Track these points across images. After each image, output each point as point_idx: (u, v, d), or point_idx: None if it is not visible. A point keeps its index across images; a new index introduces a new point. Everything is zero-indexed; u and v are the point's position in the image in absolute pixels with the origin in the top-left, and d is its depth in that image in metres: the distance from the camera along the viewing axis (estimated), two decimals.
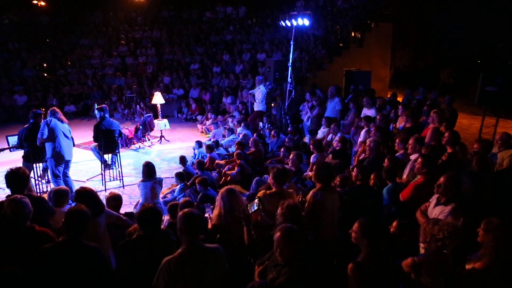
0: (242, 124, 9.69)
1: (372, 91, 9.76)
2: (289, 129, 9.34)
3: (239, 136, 9.19)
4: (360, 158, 6.31)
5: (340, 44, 14.71)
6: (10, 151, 7.57)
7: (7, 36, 17.01)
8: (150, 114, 10.91)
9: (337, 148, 6.81)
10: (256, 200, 3.49)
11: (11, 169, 3.67)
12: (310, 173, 6.08)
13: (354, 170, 4.83)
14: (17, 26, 18.03)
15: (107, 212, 3.83)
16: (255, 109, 10.39)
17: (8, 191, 3.94)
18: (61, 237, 3.46)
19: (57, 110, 6.61)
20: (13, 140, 7.21)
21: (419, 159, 4.09)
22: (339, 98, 9.09)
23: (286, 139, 8.06)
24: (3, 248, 3.03)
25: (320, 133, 8.56)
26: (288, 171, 4.49)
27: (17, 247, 3.06)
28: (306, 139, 8.81)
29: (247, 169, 7.00)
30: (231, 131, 9.44)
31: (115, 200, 4.33)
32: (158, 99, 10.62)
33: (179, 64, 16.35)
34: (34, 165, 6.74)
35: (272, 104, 10.96)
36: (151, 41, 18.12)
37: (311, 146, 6.57)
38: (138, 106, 13.35)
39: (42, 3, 22.41)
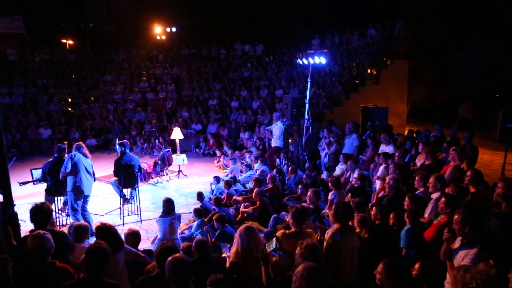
0: (259, 160, 9.75)
1: (390, 127, 9.75)
2: (306, 165, 9.33)
3: (256, 172, 9.21)
4: (379, 195, 6.24)
5: (357, 81, 14.89)
6: (34, 184, 7.76)
7: (36, 73, 17.85)
8: (169, 149, 11.09)
9: (356, 185, 6.76)
10: (274, 239, 3.47)
11: (36, 204, 3.76)
12: (328, 211, 6.01)
13: (373, 209, 4.76)
14: (46, 64, 18.95)
15: (126, 249, 3.85)
16: (273, 145, 10.46)
17: (29, 224, 4.04)
18: (81, 273, 3.50)
19: (82, 144, 6.80)
20: (37, 173, 7.41)
21: (443, 199, 4.02)
22: (357, 135, 9.10)
23: (304, 176, 8.04)
24: (24, 284, 3.06)
25: (338, 170, 8.52)
26: (307, 211, 4.47)
27: (38, 283, 3.09)
28: (324, 176, 8.76)
29: (268, 207, 6.95)
30: (249, 167, 9.47)
31: (134, 236, 4.36)
32: (177, 134, 10.83)
33: (197, 100, 16.74)
34: (56, 198, 6.89)
35: (290, 140, 11.02)
36: (171, 77, 18.70)
37: (329, 183, 6.53)
38: (157, 140, 13.60)
39: (70, 42, 23.67)
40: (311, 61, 9.85)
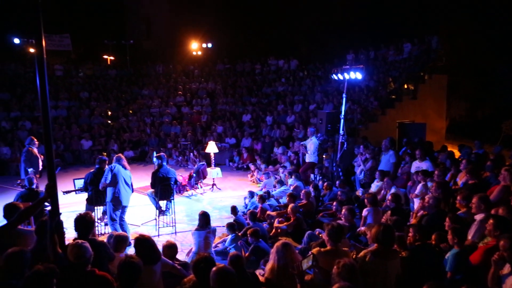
0: (293, 175, 9.70)
1: (430, 144, 9.47)
2: (337, 182, 9.18)
3: (290, 188, 9.17)
4: (418, 214, 6.03)
5: (393, 96, 14.61)
6: (76, 193, 8.09)
7: (80, 87, 18.76)
8: (204, 163, 11.25)
9: (392, 206, 6.58)
10: (311, 257, 3.43)
11: (80, 214, 3.92)
12: (363, 229, 5.87)
13: (410, 230, 4.59)
14: (89, 78, 19.88)
15: (163, 261, 3.91)
16: (307, 160, 10.39)
17: (71, 232, 4.20)
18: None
19: (122, 156, 7.02)
20: (79, 183, 7.72)
21: (491, 220, 3.82)
22: (394, 151, 8.89)
23: (339, 193, 7.91)
24: None
25: (374, 187, 8.33)
26: (344, 229, 4.39)
27: None
28: (359, 193, 8.59)
29: (302, 223, 6.89)
30: (281, 182, 9.44)
31: (171, 249, 4.42)
32: (211, 148, 10.99)
33: (232, 114, 16.96)
34: (95, 207, 7.14)
35: (324, 156, 10.91)
36: (206, 92, 19.10)
37: (365, 200, 6.39)
38: (191, 153, 13.84)
39: (111, 58, 24.74)
40: (347, 76, 9.79)
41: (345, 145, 9.70)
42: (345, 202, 7.42)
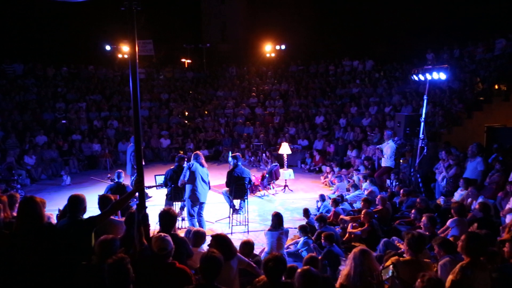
0: (368, 180, 9.39)
1: None
2: (419, 188, 8.68)
3: (364, 192, 8.88)
4: None
5: (481, 98, 13.42)
6: (157, 188, 8.64)
7: (160, 89, 19.99)
8: (277, 164, 11.34)
9: (478, 216, 6.06)
10: (391, 267, 3.28)
11: (164, 209, 4.17)
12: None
13: (506, 246, 4.18)
14: (169, 81, 21.09)
15: (239, 258, 4.02)
16: (383, 164, 9.98)
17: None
18: (197, 276, 3.74)
19: (200, 154, 7.31)
20: (160, 179, 8.23)
21: None
22: (482, 158, 8.19)
23: (418, 200, 7.47)
24: (146, 282, 3.35)
25: (457, 196, 7.76)
26: (425, 239, 4.14)
27: (159, 281, 3.34)
28: (441, 201, 8.04)
29: (378, 230, 6.63)
30: (355, 186, 9.18)
31: (248, 246, 4.53)
32: (285, 149, 11.04)
33: (305, 116, 16.88)
34: (174, 203, 7.55)
35: (401, 161, 10.40)
36: (279, 93, 19.23)
37: (451, 210, 5.96)
38: (264, 154, 14.02)
39: (189, 61, 25.99)
40: (429, 77, 9.23)
41: (425, 150, 9.15)
42: (425, 210, 6.99)
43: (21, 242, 3.41)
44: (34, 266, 3.40)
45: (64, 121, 15.94)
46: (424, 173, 9.77)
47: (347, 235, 6.86)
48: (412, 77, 10.26)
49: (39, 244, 3.43)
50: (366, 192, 8.70)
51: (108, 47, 20.78)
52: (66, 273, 3.43)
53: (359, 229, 6.75)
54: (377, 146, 10.53)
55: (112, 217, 4.35)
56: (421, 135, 9.14)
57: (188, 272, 3.44)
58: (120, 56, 21.12)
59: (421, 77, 9.60)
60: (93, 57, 21.74)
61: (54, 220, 4.82)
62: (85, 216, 3.76)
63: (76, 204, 3.67)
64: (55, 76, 18.99)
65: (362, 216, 6.74)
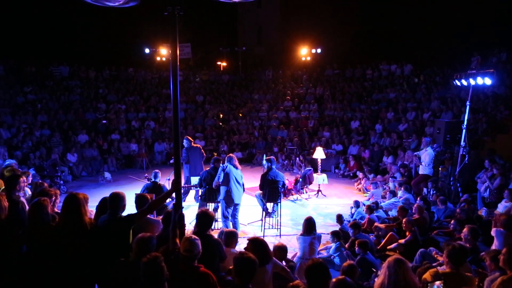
0: (403, 187, 9.13)
1: None
2: (460, 198, 8.34)
3: (399, 200, 8.65)
4: None
5: None
6: (192, 189, 8.79)
7: (196, 91, 20.35)
8: (310, 168, 11.25)
9: None
10: (438, 283, 3.17)
11: (202, 210, 4.24)
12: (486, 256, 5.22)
13: None
14: (205, 83, 21.45)
15: (274, 262, 4.01)
16: (420, 172, 9.67)
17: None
18: (229, 276, 3.77)
19: (234, 156, 7.40)
20: (195, 180, 8.36)
21: None
22: None
23: (458, 210, 7.19)
24: (171, 281, 3.39)
25: (501, 207, 7.38)
26: (467, 251, 3.98)
27: (181, 282, 3.36)
28: (483, 212, 7.68)
29: (418, 240, 6.41)
30: (393, 193, 8.95)
31: (282, 250, 4.52)
32: (319, 153, 10.94)
33: (340, 120, 16.66)
34: (208, 204, 7.65)
35: (440, 169, 10.03)
36: (314, 97, 19.08)
37: (499, 222, 5.67)
38: (297, 158, 13.95)
39: (224, 64, 26.31)
40: (472, 82, 8.88)
41: (466, 158, 8.80)
42: (465, 221, 6.71)
43: (64, 236, 3.58)
44: (74, 259, 3.55)
45: (104, 121, 16.57)
46: (465, 182, 9.39)
47: (383, 243, 6.68)
48: (454, 82, 9.88)
49: (80, 238, 3.58)
50: (401, 200, 8.48)
51: (147, 50, 21.41)
52: (104, 268, 3.56)
53: (401, 240, 6.49)
54: (415, 153, 10.23)
55: (148, 215, 4.47)
56: (462, 143, 8.81)
57: (211, 278, 3.37)
58: (158, 59, 21.70)
59: (464, 82, 9.25)
60: (133, 60, 22.45)
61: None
62: (124, 213, 3.90)
63: (117, 201, 3.80)
64: (97, 78, 19.77)
65: (404, 225, 6.51)
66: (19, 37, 19.72)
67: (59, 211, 4.27)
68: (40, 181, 7.71)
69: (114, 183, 12.09)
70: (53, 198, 4.65)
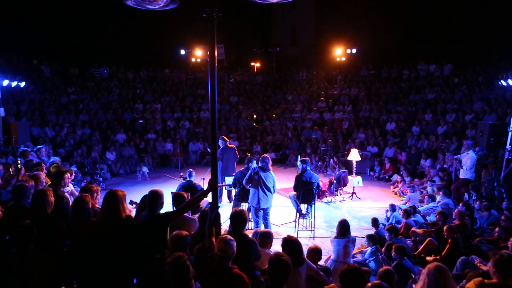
0: (442, 192, 8.80)
1: None
2: (504, 204, 7.93)
3: (438, 204, 8.35)
4: None
5: None
6: (225, 188, 8.87)
7: (230, 92, 20.53)
8: (345, 170, 11.09)
9: None
10: None
11: (236, 210, 4.26)
12: None
13: None
14: (238, 84, 21.60)
15: (308, 264, 3.97)
16: (461, 176, 9.29)
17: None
18: (264, 277, 3.77)
19: (268, 157, 7.33)
20: (229, 179, 8.44)
21: None
22: None
23: (503, 217, 6.84)
24: (204, 281, 3.42)
25: None
26: None
27: (214, 282, 3.39)
28: None
29: (460, 247, 6.15)
30: (431, 197, 8.65)
31: (316, 253, 4.47)
32: (354, 155, 10.75)
33: (375, 122, 16.30)
34: (241, 204, 7.69)
35: (483, 173, 9.59)
36: (348, 98, 18.77)
37: None
38: (331, 160, 13.77)
39: (257, 65, 26.37)
40: None
41: None
42: (511, 229, 6.38)
43: (103, 231, 3.70)
44: (113, 254, 3.67)
45: (141, 121, 17.04)
46: (510, 188, 8.93)
47: (420, 248, 6.46)
48: (499, 82, 9.44)
49: (118, 234, 3.69)
50: (440, 204, 8.18)
51: (182, 52, 21.83)
52: (142, 264, 3.65)
53: (445, 252, 6.21)
54: (455, 156, 9.83)
55: (185, 214, 4.55)
56: (508, 146, 8.39)
57: (244, 280, 3.35)
58: (193, 60, 22.07)
59: (510, 82, 8.81)
60: (169, 61, 22.95)
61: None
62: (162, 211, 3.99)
63: (155, 199, 3.89)
64: (135, 79, 20.38)
65: (445, 232, 6.25)
66: (64, 42, 20.64)
67: (100, 207, 4.44)
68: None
69: (150, 182, 12.42)
70: (95, 195, 4.82)
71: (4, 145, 11.06)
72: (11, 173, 6.33)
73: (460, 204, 8.11)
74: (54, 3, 20.24)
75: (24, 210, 4.19)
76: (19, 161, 6.53)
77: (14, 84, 13.32)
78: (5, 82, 12.59)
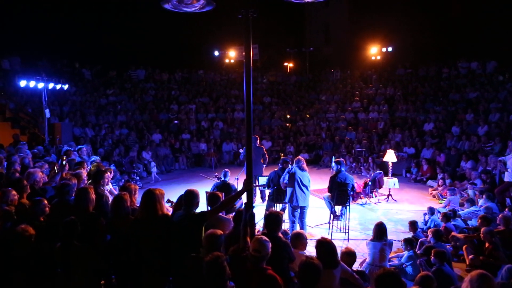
0: (484, 195, 8.41)
1: None
2: None
3: (481, 208, 7.98)
4: None
5: None
6: (259, 189, 8.90)
7: (263, 92, 20.58)
8: (381, 171, 10.83)
9: None
10: None
11: (271, 211, 4.27)
12: None
13: None
14: (272, 84, 21.62)
15: (343, 267, 3.91)
16: (506, 179, 8.83)
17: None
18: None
19: (301, 159, 7.33)
20: (263, 180, 8.46)
21: None
22: None
23: None
24: (238, 280, 3.43)
25: None
26: None
27: (247, 283, 3.38)
28: None
29: (500, 252, 5.87)
30: (471, 201, 8.29)
31: (350, 256, 4.39)
32: (390, 156, 10.49)
33: (412, 122, 15.82)
34: (275, 205, 7.69)
35: None
36: (384, 97, 18.33)
37: None
38: (366, 161, 13.50)
39: (291, 65, 26.28)
40: None
41: None
42: None
43: (141, 228, 3.81)
44: (150, 251, 3.76)
45: (176, 121, 17.41)
46: None
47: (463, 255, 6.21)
48: None
49: (156, 232, 3.78)
50: (482, 208, 7.82)
51: (216, 53, 22.10)
52: (178, 262, 3.72)
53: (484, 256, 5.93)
54: (500, 158, 9.36)
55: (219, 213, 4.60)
56: None
57: (278, 281, 3.33)
58: (227, 61, 22.29)
59: None
60: (203, 62, 23.32)
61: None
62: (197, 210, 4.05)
63: (191, 198, 3.96)
64: (170, 80, 20.84)
65: (482, 235, 6.01)
66: (103, 45, 21.44)
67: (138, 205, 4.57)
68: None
69: (185, 181, 12.64)
70: (133, 193, 4.97)
71: (49, 145, 11.64)
72: (56, 171, 6.65)
73: (506, 209, 7.73)
74: (95, 10, 21.12)
75: (68, 207, 4.40)
76: (64, 158, 6.83)
77: (58, 87, 13.96)
78: (51, 85, 13.25)
